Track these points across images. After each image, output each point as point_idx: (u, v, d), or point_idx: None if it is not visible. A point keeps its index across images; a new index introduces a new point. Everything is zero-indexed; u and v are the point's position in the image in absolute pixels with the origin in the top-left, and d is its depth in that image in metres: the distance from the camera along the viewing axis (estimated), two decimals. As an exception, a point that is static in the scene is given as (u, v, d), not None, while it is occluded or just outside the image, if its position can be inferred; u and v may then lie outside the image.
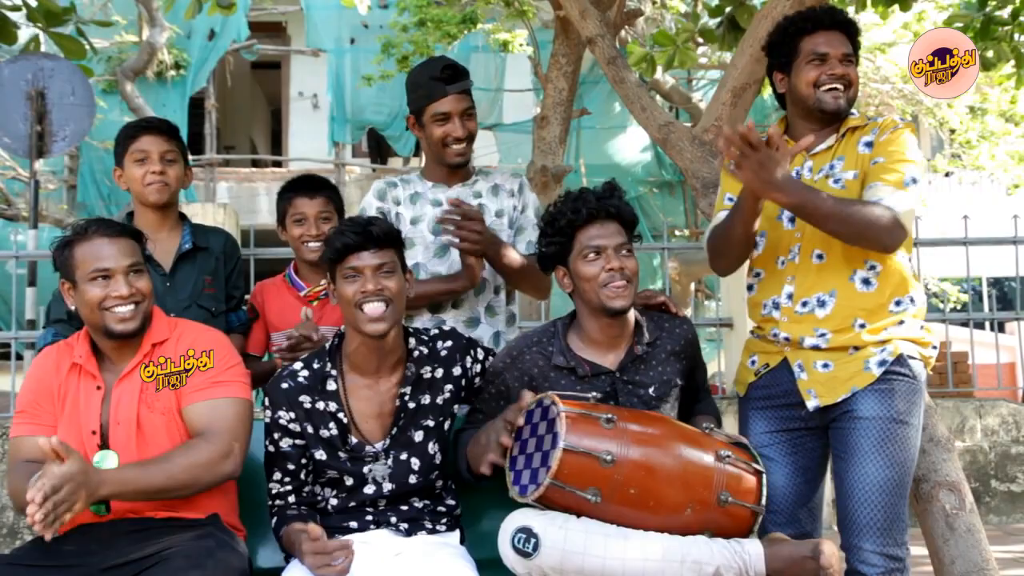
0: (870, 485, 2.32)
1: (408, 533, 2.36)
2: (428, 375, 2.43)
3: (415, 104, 2.85)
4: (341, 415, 2.36)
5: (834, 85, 2.46)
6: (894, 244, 2.37)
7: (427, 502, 2.42)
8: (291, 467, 2.36)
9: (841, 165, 2.47)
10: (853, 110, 2.55)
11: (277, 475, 2.37)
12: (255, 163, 14.95)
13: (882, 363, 2.38)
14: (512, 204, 2.94)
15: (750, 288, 2.60)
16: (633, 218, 2.45)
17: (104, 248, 2.30)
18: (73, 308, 2.37)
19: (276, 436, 2.35)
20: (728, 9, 4.34)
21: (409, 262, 2.86)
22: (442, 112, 2.80)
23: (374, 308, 2.27)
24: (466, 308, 2.87)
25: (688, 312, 9.04)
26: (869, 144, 2.46)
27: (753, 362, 2.57)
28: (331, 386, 2.37)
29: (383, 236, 2.32)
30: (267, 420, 2.36)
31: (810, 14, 2.54)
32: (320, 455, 2.36)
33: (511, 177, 3.03)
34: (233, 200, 11.72)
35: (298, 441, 2.35)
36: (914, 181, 2.39)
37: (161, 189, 2.89)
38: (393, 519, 2.37)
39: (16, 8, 4.30)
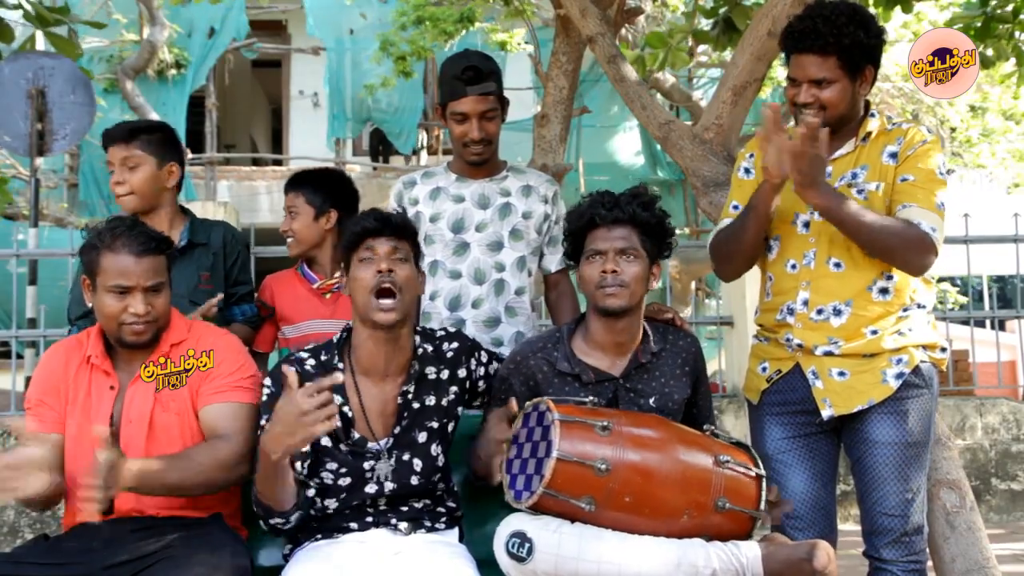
0: (892, 508, 2.41)
1: (407, 532, 2.35)
2: (433, 375, 2.42)
3: (440, 97, 2.87)
4: (345, 408, 2.35)
5: (804, 110, 2.41)
6: (925, 268, 2.39)
7: (427, 502, 2.42)
8: None
9: (864, 175, 2.44)
10: (873, 111, 2.51)
11: None
12: (256, 162, 14.93)
13: (899, 375, 2.39)
14: (544, 211, 2.93)
15: (766, 294, 2.58)
16: (654, 223, 2.39)
17: (129, 264, 2.28)
18: (89, 305, 2.38)
19: None
20: (723, 10, 4.34)
21: (428, 259, 2.87)
22: (460, 112, 2.80)
23: (386, 301, 2.28)
24: (486, 308, 2.86)
25: (688, 311, 9.04)
26: (894, 155, 2.43)
27: (764, 368, 2.56)
28: (337, 378, 2.36)
29: (399, 224, 2.36)
30: (265, 400, 2.32)
31: (791, 31, 2.44)
32: (324, 441, 2.33)
33: (546, 182, 3.01)
34: (233, 199, 11.70)
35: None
36: (943, 204, 2.39)
37: (126, 200, 2.88)
38: (393, 520, 2.36)
39: (15, 7, 4.30)
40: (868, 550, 2.46)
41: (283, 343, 3.11)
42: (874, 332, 2.41)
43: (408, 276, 2.33)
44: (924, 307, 2.47)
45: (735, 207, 2.60)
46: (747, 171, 2.63)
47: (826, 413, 2.43)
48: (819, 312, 2.44)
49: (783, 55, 2.54)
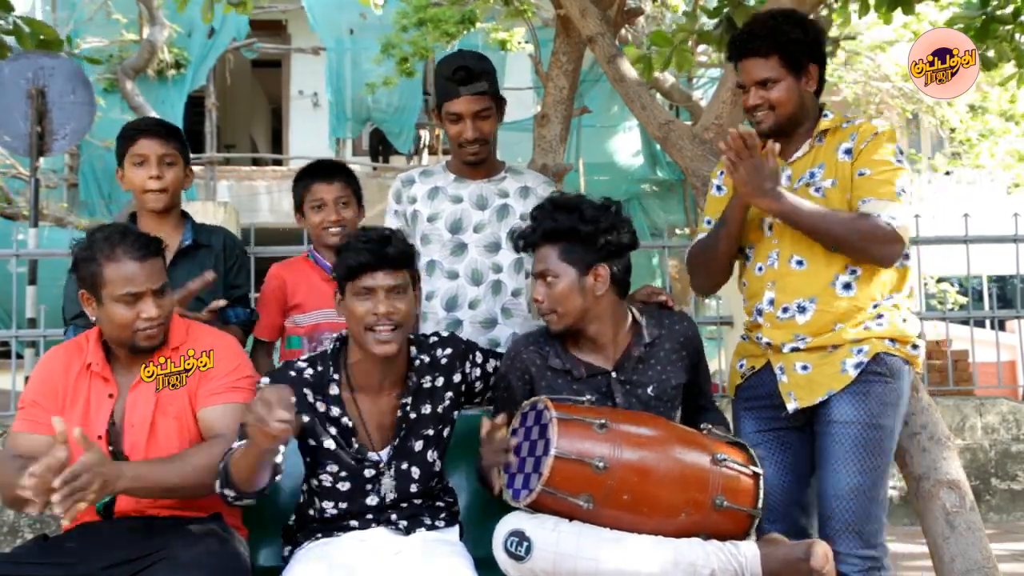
0: (843, 491, 2.36)
1: (407, 531, 2.36)
2: (429, 384, 2.41)
3: (435, 99, 2.86)
4: (345, 420, 2.34)
5: (754, 114, 2.48)
6: (893, 257, 2.40)
7: (425, 498, 2.42)
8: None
9: (821, 173, 2.48)
10: (827, 111, 2.55)
11: None
12: (255, 162, 14.93)
13: (858, 364, 2.40)
14: None
15: (744, 299, 2.63)
16: (566, 229, 2.34)
17: (135, 270, 2.27)
18: (93, 319, 2.36)
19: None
20: (726, 10, 4.32)
21: (425, 259, 2.86)
22: (454, 112, 2.80)
23: (383, 332, 2.24)
24: (483, 309, 2.86)
25: (689, 311, 9.04)
26: (849, 151, 2.46)
27: (741, 364, 2.61)
28: (333, 390, 2.34)
29: (398, 257, 2.28)
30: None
31: (732, 41, 2.53)
32: (328, 443, 2.32)
33: (544, 183, 3.01)
34: (233, 199, 11.68)
35: (304, 417, 2.29)
36: (904, 191, 2.40)
37: (159, 197, 2.88)
38: (393, 517, 2.36)
39: (12, 32, 4.28)
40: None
41: (294, 331, 3.07)
42: (841, 326, 2.42)
43: (407, 310, 2.28)
44: (893, 299, 2.48)
45: (708, 222, 2.66)
46: (719, 188, 2.70)
47: (791, 406, 2.45)
48: (784, 311, 2.47)
49: None
